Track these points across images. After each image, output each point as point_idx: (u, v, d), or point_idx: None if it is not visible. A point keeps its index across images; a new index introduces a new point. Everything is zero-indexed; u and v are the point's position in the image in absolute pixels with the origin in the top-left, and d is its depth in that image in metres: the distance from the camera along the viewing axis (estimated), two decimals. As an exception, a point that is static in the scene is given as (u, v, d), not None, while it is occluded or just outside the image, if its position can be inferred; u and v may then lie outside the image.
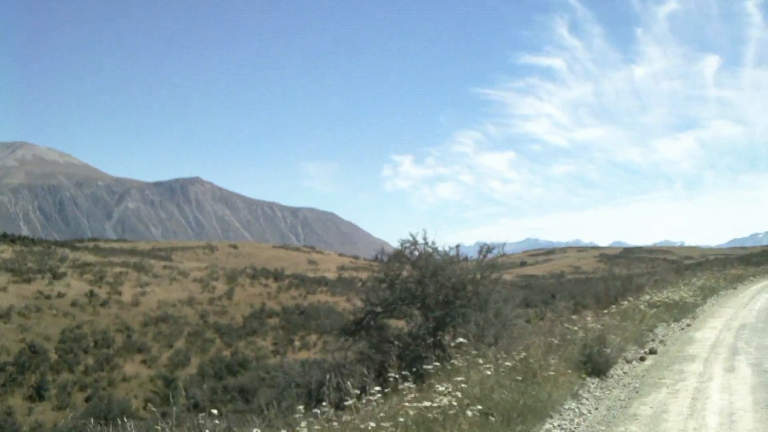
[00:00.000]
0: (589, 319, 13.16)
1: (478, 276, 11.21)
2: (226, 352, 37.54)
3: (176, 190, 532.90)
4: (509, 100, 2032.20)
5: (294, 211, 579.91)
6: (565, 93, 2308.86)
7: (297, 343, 40.02)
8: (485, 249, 11.64)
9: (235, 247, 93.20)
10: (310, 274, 68.51)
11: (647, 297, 17.95)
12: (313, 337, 41.30)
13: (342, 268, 79.39)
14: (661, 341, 13.17)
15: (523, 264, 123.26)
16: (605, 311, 15.31)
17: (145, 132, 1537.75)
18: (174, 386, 31.50)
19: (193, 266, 58.75)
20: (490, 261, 11.66)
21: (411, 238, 11.53)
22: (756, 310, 18.81)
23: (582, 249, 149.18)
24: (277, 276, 58.03)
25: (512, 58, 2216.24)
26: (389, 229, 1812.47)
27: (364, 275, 74.69)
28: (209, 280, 52.26)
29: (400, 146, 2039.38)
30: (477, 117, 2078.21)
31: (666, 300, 17.84)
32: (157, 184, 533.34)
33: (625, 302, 16.86)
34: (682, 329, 15.09)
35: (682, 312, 17.38)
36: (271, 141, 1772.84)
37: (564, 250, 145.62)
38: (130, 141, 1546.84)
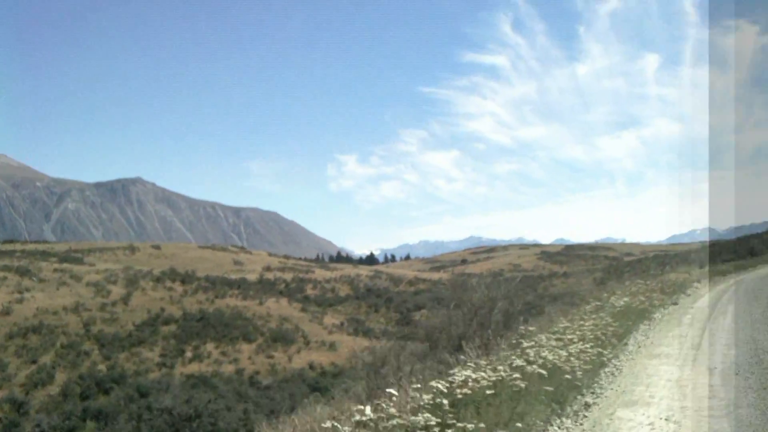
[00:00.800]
0: None
1: None
2: (102, 366, 32.70)
3: (117, 191, 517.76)
4: (454, 99, 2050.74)
5: (236, 211, 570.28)
6: (509, 91, 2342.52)
7: (188, 354, 35.39)
8: None
9: (157, 247, 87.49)
10: (232, 276, 63.88)
11: (495, 357, 9.19)
12: (209, 347, 36.75)
13: (267, 268, 74.75)
14: None
15: (464, 262, 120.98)
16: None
17: (85, 131, 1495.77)
18: (24, 411, 26.76)
19: (91, 269, 53.39)
20: None
21: None
22: (719, 369, 9.38)
23: (524, 247, 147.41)
24: (186, 278, 53.12)
25: (457, 56, 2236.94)
26: (334, 228, 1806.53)
27: (289, 276, 70.45)
28: (105, 284, 47.07)
29: (345, 145, 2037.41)
30: (422, 116, 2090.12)
31: (529, 366, 7.74)
32: (98, 185, 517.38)
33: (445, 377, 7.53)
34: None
35: (557, 400, 7.53)
36: (214, 140, 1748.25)
37: (506, 248, 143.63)
38: (70, 141, 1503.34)
